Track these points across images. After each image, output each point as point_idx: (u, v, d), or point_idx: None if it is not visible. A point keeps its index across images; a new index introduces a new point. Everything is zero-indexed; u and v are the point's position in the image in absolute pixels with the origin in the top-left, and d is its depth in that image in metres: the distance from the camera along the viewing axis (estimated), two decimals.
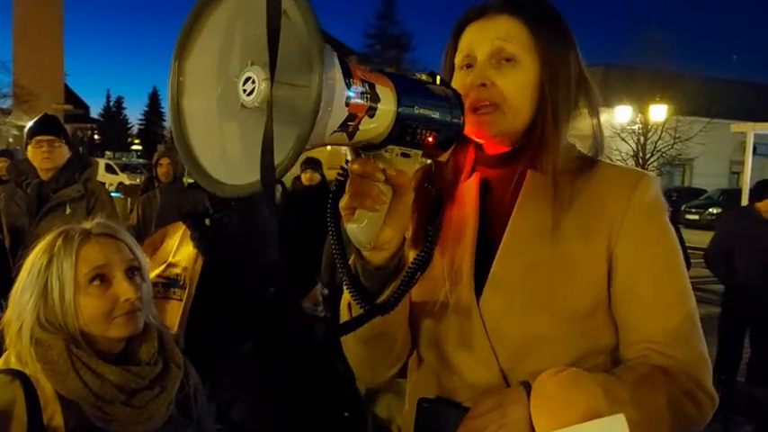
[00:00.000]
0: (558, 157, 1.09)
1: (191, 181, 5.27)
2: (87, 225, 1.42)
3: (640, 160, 20.40)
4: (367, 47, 39.77)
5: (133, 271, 1.41)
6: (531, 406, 0.94)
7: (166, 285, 2.94)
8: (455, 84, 1.10)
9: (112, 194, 4.33)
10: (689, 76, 20.48)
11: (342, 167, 0.97)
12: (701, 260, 5.22)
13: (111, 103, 75.89)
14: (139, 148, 66.68)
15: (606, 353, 1.08)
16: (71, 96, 36.50)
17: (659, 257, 1.08)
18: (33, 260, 1.39)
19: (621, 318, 1.07)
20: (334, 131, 0.78)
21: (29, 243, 1.80)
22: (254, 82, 0.76)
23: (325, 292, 5.12)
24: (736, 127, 13.73)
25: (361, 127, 0.82)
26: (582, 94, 1.14)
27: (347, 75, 0.78)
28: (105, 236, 1.41)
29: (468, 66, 1.11)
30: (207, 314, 2.92)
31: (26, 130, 3.51)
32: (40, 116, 3.55)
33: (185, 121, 0.83)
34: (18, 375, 1.29)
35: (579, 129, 1.16)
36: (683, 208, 21.24)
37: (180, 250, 3.01)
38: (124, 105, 77.95)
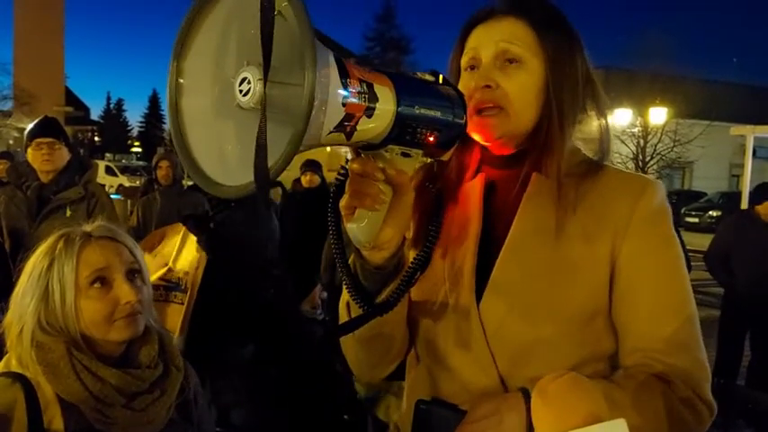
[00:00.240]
0: (563, 161, 1.08)
1: (190, 183, 5.27)
2: (88, 228, 1.42)
3: (640, 163, 20.40)
4: (367, 49, 39.85)
5: (134, 273, 1.41)
6: (530, 411, 0.93)
7: (168, 289, 2.95)
8: (461, 85, 1.09)
9: (112, 196, 4.32)
10: (689, 78, 20.51)
11: (342, 167, 0.96)
12: (702, 263, 5.21)
13: (112, 106, 76.05)
14: (139, 150, 66.84)
15: (606, 359, 1.08)
16: (71, 98, 36.56)
17: (662, 265, 1.07)
18: (34, 263, 1.38)
19: (621, 324, 1.07)
20: (331, 132, 0.78)
21: (29, 245, 1.80)
22: (249, 82, 0.75)
23: (324, 294, 5.13)
24: (736, 130, 13.74)
25: (358, 127, 0.81)
26: (589, 97, 1.13)
27: (344, 74, 0.77)
28: (106, 238, 1.41)
29: (473, 67, 1.11)
30: (208, 318, 2.93)
31: (26, 132, 3.49)
32: (40, 118, 3.53)
33: (184, 122, 0.83)
34: (19, 378, 1.28)
35: (585, 132, 1.15)
36: (682, 211, 21.18)
37: (181, 254, 3.01)
38: (124, 108, 78.20)
